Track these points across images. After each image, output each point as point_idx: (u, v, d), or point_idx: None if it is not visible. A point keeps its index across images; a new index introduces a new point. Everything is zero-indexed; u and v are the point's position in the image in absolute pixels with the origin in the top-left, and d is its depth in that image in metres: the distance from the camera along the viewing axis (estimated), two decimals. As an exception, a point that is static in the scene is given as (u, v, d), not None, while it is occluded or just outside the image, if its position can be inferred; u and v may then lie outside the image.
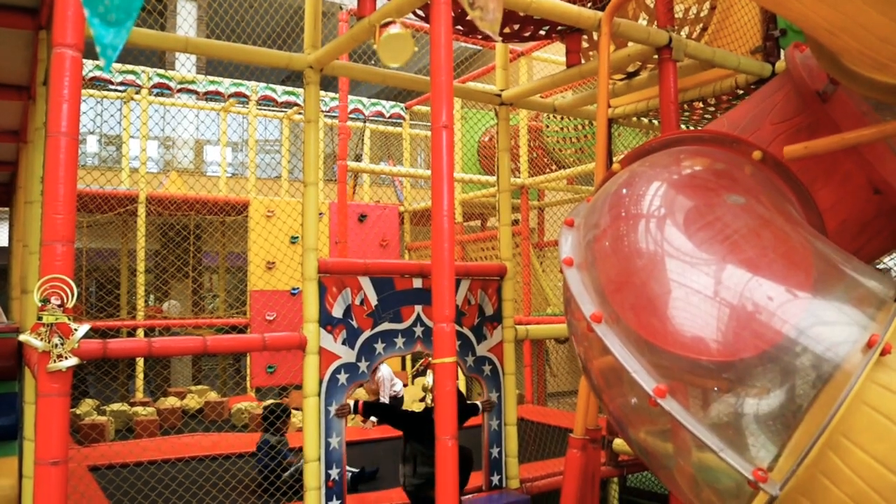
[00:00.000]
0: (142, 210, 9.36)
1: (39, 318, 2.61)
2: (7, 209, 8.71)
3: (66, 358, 2.61)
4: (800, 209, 2.60)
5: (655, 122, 5.73)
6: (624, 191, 2.59)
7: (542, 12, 3.72)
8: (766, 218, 2.31)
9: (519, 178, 8.81)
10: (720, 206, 2.35)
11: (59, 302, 2.57)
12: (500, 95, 5.12)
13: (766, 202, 2.44)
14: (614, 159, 3.84)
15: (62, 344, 2.59)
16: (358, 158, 11.49)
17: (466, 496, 4.46)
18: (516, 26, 4.27)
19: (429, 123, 12.11)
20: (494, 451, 4.67)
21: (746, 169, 2.64)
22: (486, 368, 4.67)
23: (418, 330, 4.40)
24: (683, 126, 5.66)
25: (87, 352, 2.91)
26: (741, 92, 4.69)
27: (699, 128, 5.49)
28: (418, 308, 4.41)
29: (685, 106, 5.20)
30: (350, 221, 9.34)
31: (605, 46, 3.73)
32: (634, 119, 5.56)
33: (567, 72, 4.58)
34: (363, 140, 11.73)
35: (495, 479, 4.66)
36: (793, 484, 1.79)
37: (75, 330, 2.64)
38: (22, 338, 2.69)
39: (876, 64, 2.26)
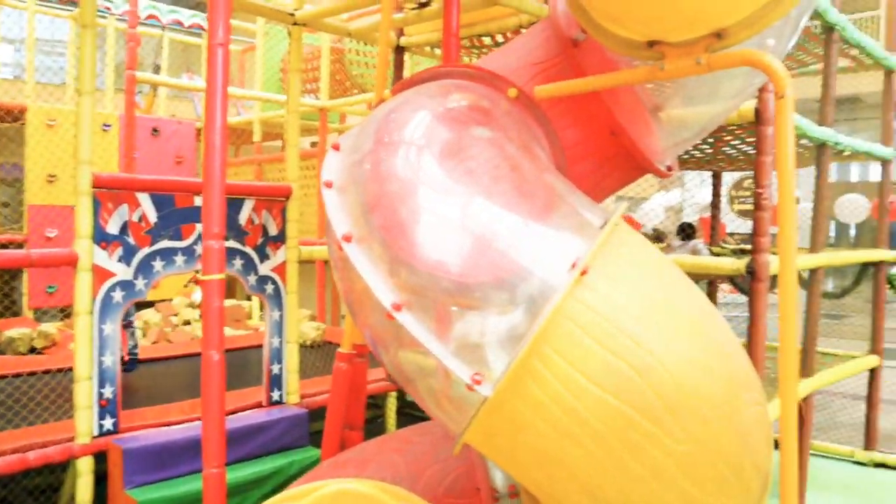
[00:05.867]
0: None
1: None
2: None
3: None
4: (546, 145, 2.85)
5: (448, 53, 5.88)
6: (390, 116, 2.71)
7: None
8: (510, 153, 2.53)
9: (318, 100, 8.74)
10: (471, 140, 2.54)
11: None
12: (293, 15, 5.04)
13: (515, 138, 2.67)
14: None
15: None
16: (157, 70, 10.83)
17: (245, 412, 4.57)
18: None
19: (235, 37, 11.63)
20: (275, 368, 4.78)
21: (503, 105, 2.85)
22: (269, 287, 4.74)
23: (199, 248, 4.37)
24: (469, 59, 5.86)
25: None
26: (524, 30, 4.94)
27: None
28: (199, 226, 4.38)
29: (474, 40, 5.38)
30: (142, 136, 8.86)
31: (389, -25, 3.80)
32: (428, 49, 5.68)
33: (358, -5, 4.62)
34: (162, 49, 11.08)
35: (276, 394, 4.80)
36: (505, 386, 2.04)
37: None
38: None
39: (610, 16, 2.51)
